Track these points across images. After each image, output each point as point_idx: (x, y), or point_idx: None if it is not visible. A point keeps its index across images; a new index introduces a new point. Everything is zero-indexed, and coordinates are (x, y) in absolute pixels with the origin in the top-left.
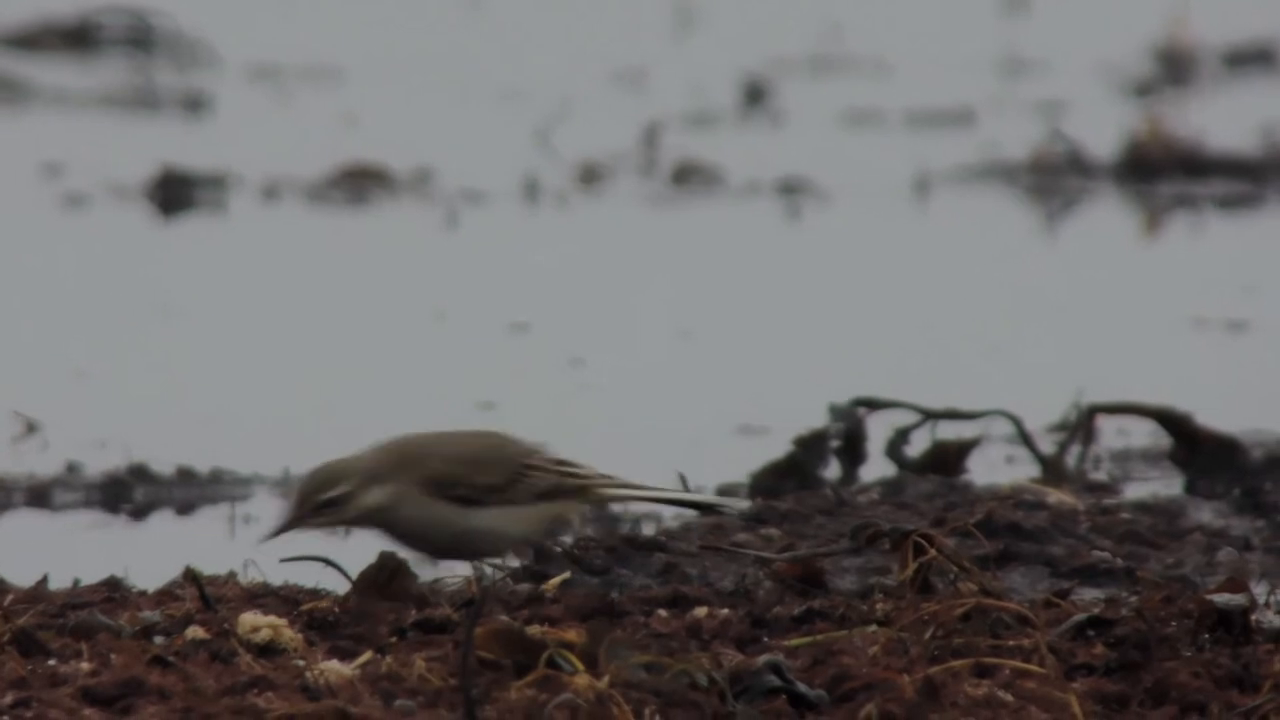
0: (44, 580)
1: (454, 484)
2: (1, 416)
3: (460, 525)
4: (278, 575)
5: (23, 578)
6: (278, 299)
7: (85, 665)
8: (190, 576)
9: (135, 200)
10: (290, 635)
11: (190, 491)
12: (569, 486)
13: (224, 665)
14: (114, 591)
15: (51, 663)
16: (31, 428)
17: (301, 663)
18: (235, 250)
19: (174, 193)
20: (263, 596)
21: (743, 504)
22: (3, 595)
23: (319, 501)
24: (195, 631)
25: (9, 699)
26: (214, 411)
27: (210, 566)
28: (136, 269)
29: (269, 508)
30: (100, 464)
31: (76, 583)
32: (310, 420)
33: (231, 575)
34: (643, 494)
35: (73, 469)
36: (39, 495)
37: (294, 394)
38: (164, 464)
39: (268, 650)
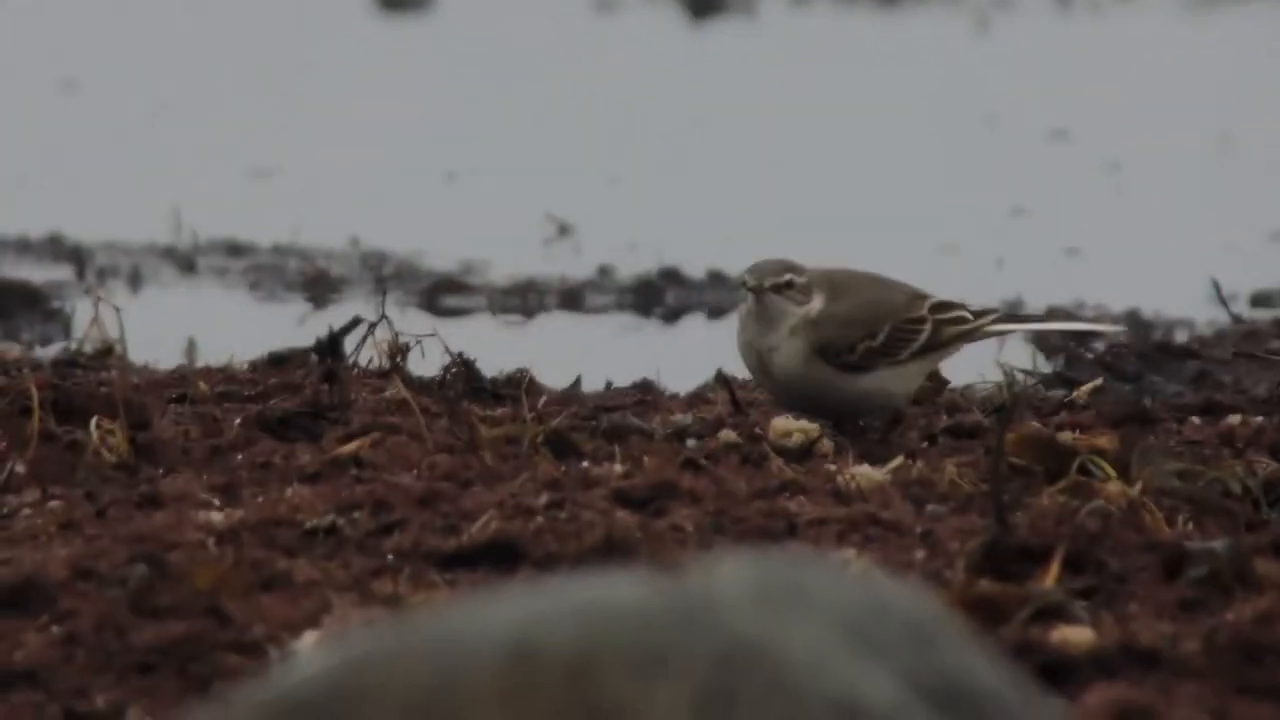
0: (577, 382)
1: (841, 350)
2: (536, 219)
3: (840, 392)
4: None
5: (556, 379)
6: (808, 104)
7: (618, 468)
8: (722, 380)
9: (664, 3)
10: (821, 440)
11: (721, 295)
12: (946, 337)
13: (755, 469)
14: (646, 394)
15: (584, 465)
16: (564, 230)
17: (832, 467)
18: (765, 55)
19: None
20: None
21: (1116, 329)
22: (537, 397)
23: (788, 279)
24: (727, 435)
25: (544, 499)
26: (738, 217)
27: (739, 369)
28: (668, 74)
29: None
30: (632, 267)
31: (609, 385)
32: (846, 227)
33: None
34: (1020, 326)
35: (604, 272)
36: (571, 297)
37: (822, 198)
38: (695, 268)
39: (798, 454)
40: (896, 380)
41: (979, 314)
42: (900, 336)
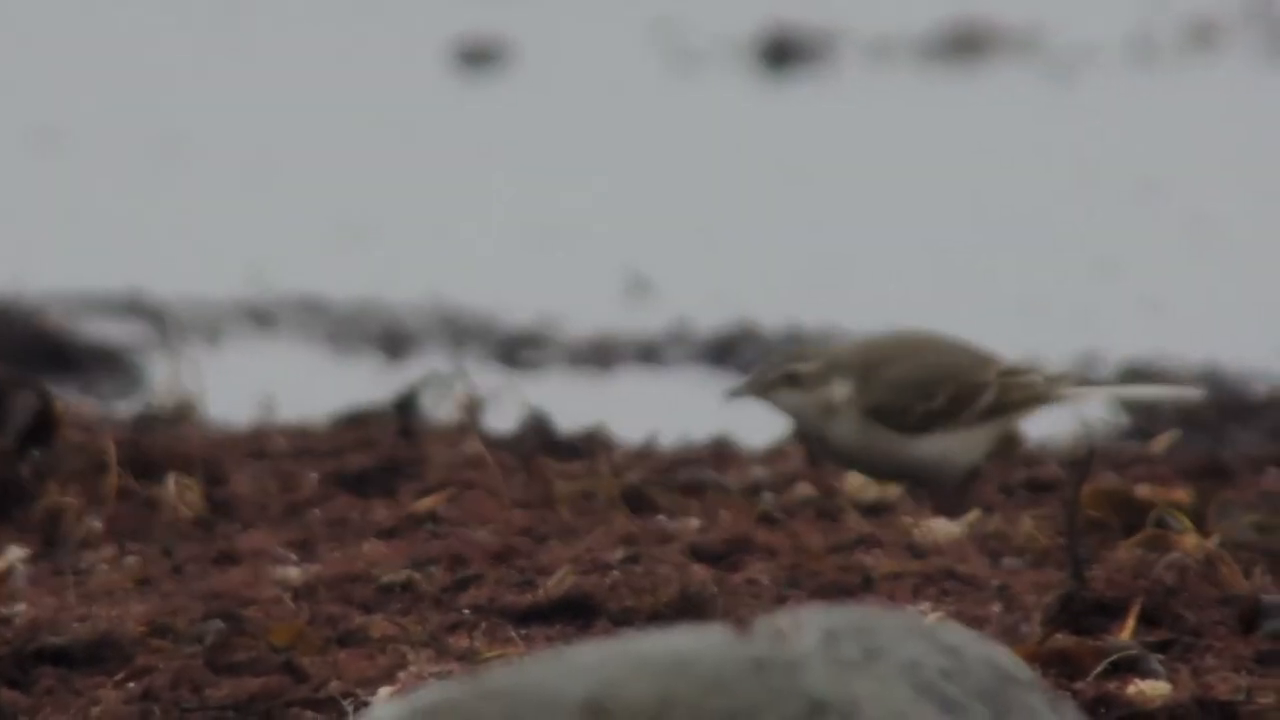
0: (653, 437)
1: (897, 413)
2: (612, 274)
3: (900, 455)
4: None
5: (632, 434)
6: (886, 156)
7: (693, 522)
8: (797, 435)
9: (743, 56)
10: (898, 493)
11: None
12: (1014, 400)
13: (831, 523)
14: (722, 449)
15: (660, 519)
16: (640, 284)
17: (908, 520)
18: (843, 106)
19: (781, 49)
20: None
21: (1194, 393)
22: (613, 452)
23: (786, 371)
24: (803, 489)
25: (619, 554)
26: (815, 271)
27: None
28: (746, 126)
29: None
30: (708, 322)
31: (685, 440)
32: (924, 283)
33: None
34: (1094, 390)
35: (681, 326)
36: (647, 352)
37: (905, 255)
38: (771, 322)
39: (875, 508)
40: (957, 444)
41: (1055, 378)
42: (961, 399)
